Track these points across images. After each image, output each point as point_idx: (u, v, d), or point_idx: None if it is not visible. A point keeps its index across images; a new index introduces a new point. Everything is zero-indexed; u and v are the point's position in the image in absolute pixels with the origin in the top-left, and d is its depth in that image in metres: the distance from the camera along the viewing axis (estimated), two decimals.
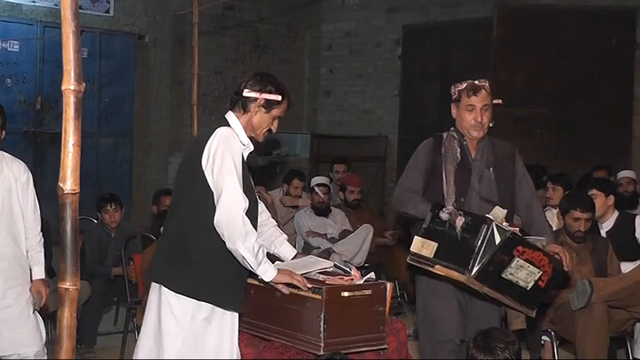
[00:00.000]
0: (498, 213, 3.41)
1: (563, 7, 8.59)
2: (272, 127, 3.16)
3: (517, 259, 3.28)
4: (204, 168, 2.96)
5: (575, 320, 4.45)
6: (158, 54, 8.88)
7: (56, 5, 7.74)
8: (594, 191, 5.16)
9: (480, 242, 3.24)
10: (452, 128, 3.83)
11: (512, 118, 8.50)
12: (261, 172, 8.45)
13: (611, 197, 5.22)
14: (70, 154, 1.63)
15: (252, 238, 2.91)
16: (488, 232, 3.24)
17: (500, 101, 3.82)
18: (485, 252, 3.24)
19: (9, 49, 7.81)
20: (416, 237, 3.47)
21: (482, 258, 3.24)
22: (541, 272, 3.34)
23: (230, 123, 3.09)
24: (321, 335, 2.93)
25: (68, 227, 1.64)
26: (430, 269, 3.41)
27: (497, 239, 3.25)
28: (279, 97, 3.09)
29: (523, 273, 3.31)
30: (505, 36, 8.57)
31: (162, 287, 3.05)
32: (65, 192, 1.64)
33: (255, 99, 3.07)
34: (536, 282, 3.34)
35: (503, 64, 8.55)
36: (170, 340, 3.00)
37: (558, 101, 8.59)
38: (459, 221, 3.33)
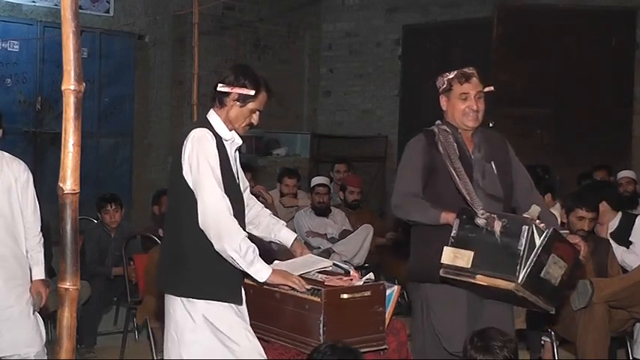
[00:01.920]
0: (534, 211, 3.22)
1: (563, 7, 8.58)
2: (252, 121, 3.11)
3: (553, 255, 3.11)
4: (184, 171, 2.99)
5: (575, 320, 4.45)
6: (158, 54, 8.88)
7: (56, 5, 7.74)
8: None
9: (523, 246, 3.05)
10: (438, 122, 3.62)
11: (512, 118, 8.50)
12: (261, 172, 8.46)
13: (604, 204, 5.16)
14: (70, 154, 1.63)
15: (237, 237, 2.90)
16: (530, 234, 3.06)
17: (492, 88, 3.58)
18: (529, 255, 3.05)
19: (9, 49, 7.81)
20: (446, 248, 3.22)
21: (527, 262, 3.05)
22: (567, 265, 3.17)
23: (210, 121, 3.09)
24: (321, 338, 2.93)
25: (68, 227, 1.64)
26: (470, 280, 3.17)
27: (537, 240, 3.07)
28: (252, 92, 3.03)
29: (555, 269, 3.13)
30: (505, 36, 8.56)
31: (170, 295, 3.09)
32: (65, 192, 1.63)
33: (229, 93, 3.05)
34: (562, 276, 3.17)
35: (503, 64, 8.54)
36: (191, 338, 3.00)
37: (558, 101, 8.58)
38: (497, 225, 3.12)
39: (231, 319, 3.02)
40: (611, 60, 8.52)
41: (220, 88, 3.06)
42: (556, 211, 5.44)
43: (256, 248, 3.00)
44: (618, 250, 4.93)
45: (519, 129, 8.49)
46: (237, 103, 3.06)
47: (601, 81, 8.48)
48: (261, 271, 2.96)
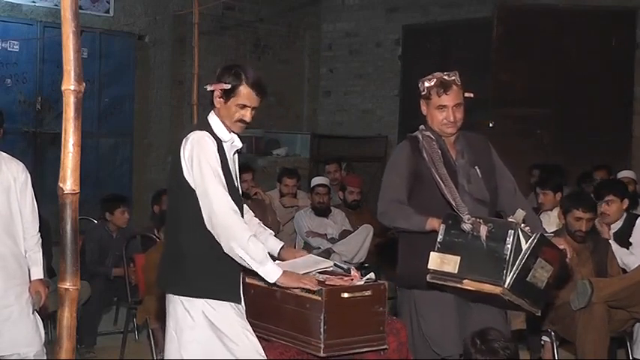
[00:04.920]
0: (519, 215, 3.23)
1: (563, 7, 8.58)
2: (242, 117, 3.05)
3: (540, 259, 3.14)
4: (185, 173, 2.99)
5: (575, 320, 4.44)
6: (158, 54, 8.88)
7: (56, 5, 7.74)
8: (611, 197, 5.11)
9: (509, 250, 3.07)
10: (422, 127, 3.60)
11: (512, 118, 8.51)
12: (261, 172, 8.45)
13: (626, 201, 5.18)
14: (70, 154, 1.62)
15: (245, 237, 2.90)
16: (515, 238, 3.08)
17: (471, 95, 3.55)
18: (515, 259, 3.08)
19: (9, 49, 7.81)
20: (432, 253, 3.23)
21: (514, 266, 3.07)
22: (552, 269, 3.20)
23: (210, 122, 3.09)
24: (321, 337, 2.93)
25: (68, 227, 1.64)
26: (458, 285, 3.19)
27: (524, 244, 3.10)
28: (228, 86, 3.01)
29: (542, 273, 3.16)
30: (505, 36, 8.56)
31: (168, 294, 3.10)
32: (65, 192, 1.63)
33: (213, 92, 3.07)
34: (548, 279, 3.20)
35: (503, 64, 8.54)
36: (190, 337, 3.00)
37: (558, 101, 8.58)
38: (483, 230, 3.14)
39: (230, 318, 3.02)
40: (611, 60, 8.52)
41: (207, 87, 3.09)
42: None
43: (265, 248, 3.00)
44: (619, 252, 4.93)
45: (519, 129, 8.50)
46: (222, 99, 3.05)
47: (601, 81, 8.47)
48: (271, 272, 2.95)
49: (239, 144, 3.16)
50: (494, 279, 3.11)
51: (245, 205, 3.36)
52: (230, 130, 3.10)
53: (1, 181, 3.79)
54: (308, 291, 3.00)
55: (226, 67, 3.12)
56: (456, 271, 3.17)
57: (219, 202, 2.91)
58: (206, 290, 3.00)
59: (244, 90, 3.03)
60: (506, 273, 3.07)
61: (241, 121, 3.06)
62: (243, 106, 3.04)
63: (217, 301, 3.01)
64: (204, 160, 2.95)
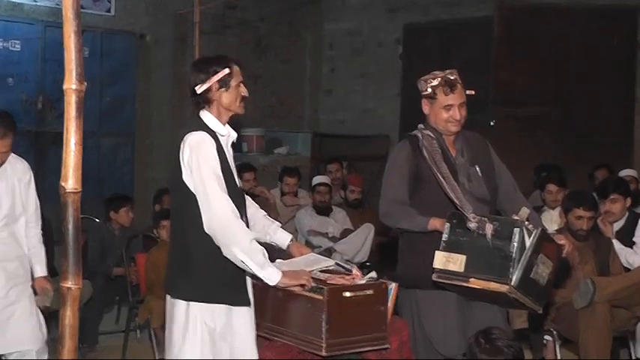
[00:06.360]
0: (524, 213, 3.24)
1: (564, 6, 8.57)
2: (243, 94, 3.12)
3: (541, 255, 3.15)
4: (183, 176, 2.98)
5: (577, 320, 4.44)
6: (159, 53, 8.88)
7: (57, 5, 7.74)
8: (616, 195, 5.11)
9: (515, 248, 3.09)
10: (421, 126, 3.61)
11: (512, 118, 8.50)
12: (262, 171, 8.46)
13: (629, 199, 5.19)
14: (72, 153, 1.63)
15: (246, 240, 2.89)
16: (520, 236, 3.09)
17: (472, 92, 3.58)
18: (520, 256, 3.09)
19: (10, 48, 7.80)
20: (438, 252, 3.23)
21: (519, 263, 3.09)
22: (552, 264, 3.21)
23: (204, 120, 3.08)
24: (323, 336, 2.93)
25: (70, 226, 1.64)
26: (464, 284, 3.19)
27: (527, 241, 3.11)
28: (227, 70, 3.06)
29: (543, 269, 3.17)
30: (506, 35, 8.56)
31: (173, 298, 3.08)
32: (67, 191, 1.63)
33: (210, 88, 3.06)
34: (548, 275, 3.21)
35: (503, 63, 8.54)
36: (189, 341, 2.99)
37: (558, 101, 8.57)
38: (489, 228, 3.15)
39: (233, 325, 3.01)
40: (612, 60, 8.51)
41: (199, 89, 3.06)
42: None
43: (265, 251, 2.98)
44: (623, 251, 4.92)
45: (519, 129, 8.49)
46: (222, 89, 3.07)
47: (602, 80, 8.46)
48: (272, 275, 2.94)
49: (234, 134, 3.17)
50: (500, 277, 3.11)
51: (249, 198, 3.37)
52: (225, 123, 3.11)
53: (7, 183, 3.81)
54: (310, 290, 3.00)
55: (203, 63, 3.14)
56: (462, 270, 3.18)
57: (219, 207, 2.90)
58: (212, 295, 2.99)
59: (236, 69, 3.11)
60: (513, 271, 3.08)
61: (244, 98, 3.13)
62: (239, 83, 3.11)
63: (222, 305, 3.00)
64: (203, 163, 2.93)
